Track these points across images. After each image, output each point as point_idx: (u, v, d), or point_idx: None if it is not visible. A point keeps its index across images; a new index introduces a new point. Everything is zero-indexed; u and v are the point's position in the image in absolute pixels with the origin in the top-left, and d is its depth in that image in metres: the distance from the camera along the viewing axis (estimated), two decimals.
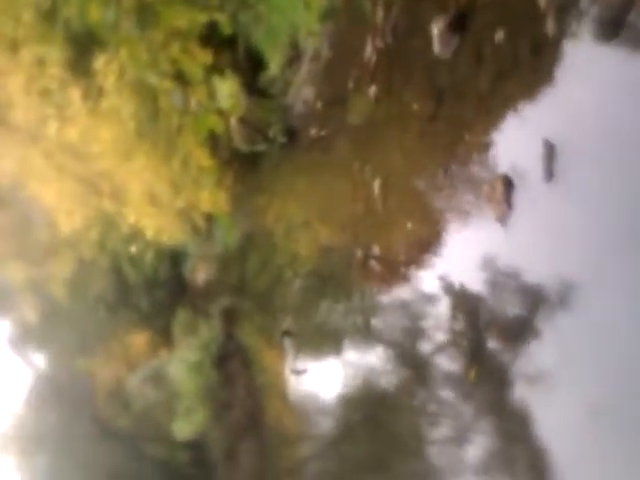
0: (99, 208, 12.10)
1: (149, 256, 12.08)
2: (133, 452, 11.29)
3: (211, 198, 11.68)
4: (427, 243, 9.45)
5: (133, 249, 12.08)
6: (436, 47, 8.73)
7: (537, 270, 8.46)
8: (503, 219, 8.56)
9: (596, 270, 7.52)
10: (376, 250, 10.04)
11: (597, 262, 7.50)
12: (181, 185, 11.76)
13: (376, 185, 9.72)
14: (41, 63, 10.36)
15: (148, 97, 10.69)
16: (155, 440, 11.18)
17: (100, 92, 10.39)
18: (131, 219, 11.82)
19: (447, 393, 8.86)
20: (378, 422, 9.08)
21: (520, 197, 8.41)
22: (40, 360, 12.74)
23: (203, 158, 11.08)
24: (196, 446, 10.41)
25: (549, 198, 7.98)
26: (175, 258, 11.73)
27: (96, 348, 12.22)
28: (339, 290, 10.19)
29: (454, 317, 9.31)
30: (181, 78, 10.40)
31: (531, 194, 8.26)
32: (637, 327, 6.83)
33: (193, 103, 10.72)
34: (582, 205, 7.65)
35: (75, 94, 10.50)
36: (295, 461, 9.89)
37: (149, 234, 11.80)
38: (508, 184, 8.51)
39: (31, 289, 12.68)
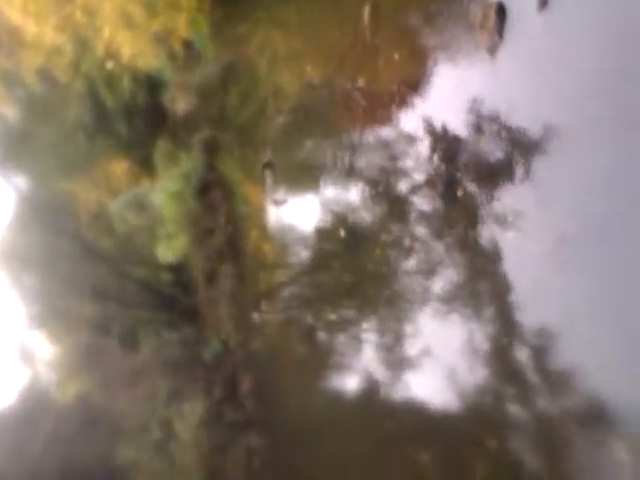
0: (71, 18, 11.60)
1: (126, 81, 11.76)
2: (117, 272, 11.79)
3: (189, 22, 11.19)
4: (413, 81, 9.33)
5: (109, 65, 11.74)
6: None
7: (521, 112, 8.50)
8: (493, 50, 8.43)
9: (582, 114, 7.57)
10: (361, 84, 9.90)
11: (584, 105, 7.52)
12: (157, 7, 11.20)
13: (365, 13, 9.35)
14: None
15: None
16: (138, 262, 11.65)
17: None
18: (105, 35, 11.41)
19: (420, 230, 9.28)
20: (352, 254, 9.57)
21: (512, 28, 8.22)
22: (21, 182, 12.81)
23: None
24: (179, 269, 10.90)
25: (541, 30, 7.81)
26: (154, 86, 11.42)
27: (77, 173, 12.26)
28: (321, 126, 10.18)
29: (433, 157, 9.48)
30: None
31: (523, 25, 8.07)
32: (613, 177, 7.07)
33: None
34: (574, 39, 7.51)
35: None
36: (272, 286, 10.51)
37: (124, 57, 11.44)
38: (501, 12, 8.29)
39: (5, 82, 12.44)
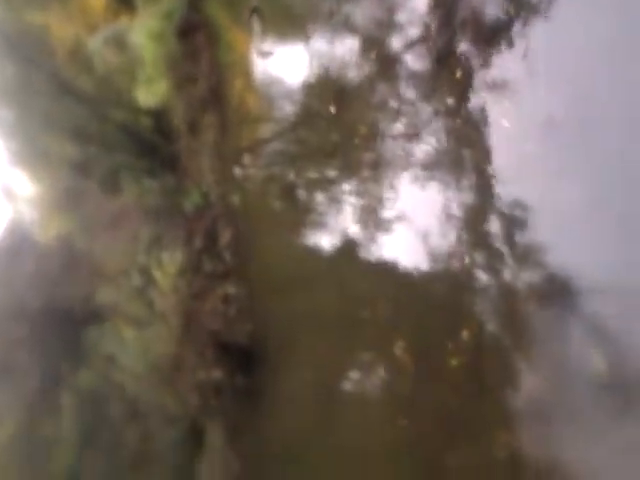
0: None
1: None
2: (96, 114, 11.45)
3: None
4: None
5: None
6: None
7: None
8: None
9: None
10: None
11: None
12: None
13: None
14: None
15: None
16: (118, 104, 11.27)
17: None
18: None
19: (409, 91, 9.01)
20: (339, 112, 9.34)
21: None
22: None
23: None
24: (159, 115, 10.60)
25: None
26: None
27: (49, 4, 11.44)
28: None
29: (430, 12, 9.00)
30: None
31: None
32: (614, 42, 6.82)
33: None
34: None
35: None
36: (255, 140, 10.33)
37: None
38: None
39: None
